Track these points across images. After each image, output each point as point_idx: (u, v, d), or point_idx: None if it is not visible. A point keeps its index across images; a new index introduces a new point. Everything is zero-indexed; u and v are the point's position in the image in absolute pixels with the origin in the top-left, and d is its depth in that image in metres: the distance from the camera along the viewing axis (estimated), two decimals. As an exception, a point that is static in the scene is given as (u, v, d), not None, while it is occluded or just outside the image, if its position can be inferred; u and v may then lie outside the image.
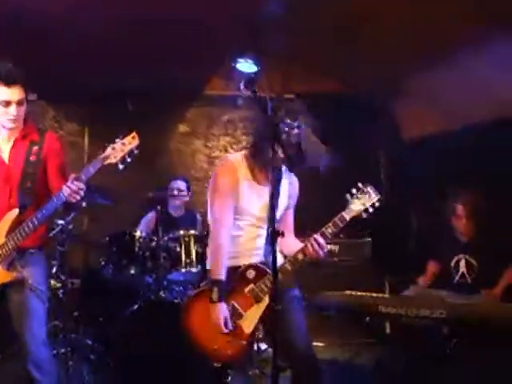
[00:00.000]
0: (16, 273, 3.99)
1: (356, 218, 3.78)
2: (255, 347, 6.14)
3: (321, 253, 3.74)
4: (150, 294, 5.64)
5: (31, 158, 4.11)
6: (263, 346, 6.21)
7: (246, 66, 6.86)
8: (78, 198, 3.84)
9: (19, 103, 4.01)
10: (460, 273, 5.75)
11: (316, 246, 3.73)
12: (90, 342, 6.11)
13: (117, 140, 3.88)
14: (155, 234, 5.79)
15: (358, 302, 5.31)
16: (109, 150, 3.85)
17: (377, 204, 3.82)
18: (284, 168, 4.04)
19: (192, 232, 5.84)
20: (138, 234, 5.94)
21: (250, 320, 3.82)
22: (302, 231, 4.16)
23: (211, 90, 8.03)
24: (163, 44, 6.36)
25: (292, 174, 4.15)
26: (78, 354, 5.98)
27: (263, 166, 3.96)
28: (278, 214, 3.99)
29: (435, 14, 5.41)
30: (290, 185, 4.14)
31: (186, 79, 7.31)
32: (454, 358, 5.02)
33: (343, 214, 3.77)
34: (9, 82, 3.94)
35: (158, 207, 5.91)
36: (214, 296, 3.76)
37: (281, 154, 3.52)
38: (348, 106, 7.97)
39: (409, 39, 5.97)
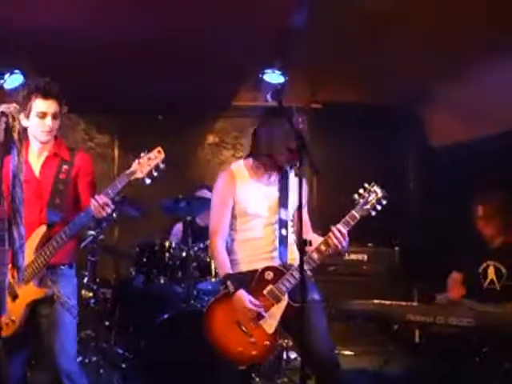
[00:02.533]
0: (47, 289, 4.03)
1: (365, 216, 3.89)
2: (284, 356, 6.17)
3: (343, 243, 3.84)
4: (180, 303, 5.67)
5: (61, 176, 4.16)
6: (292, 355, 6.24)
7: (273, 76, 6.90)
8: (105, 213, 3.88)
9: (54, 116, 4.09)
10: (489, 280, 5.70)
11: (338, 234, 3.82)
12: (120, 351, 6.16)
13: (142, 154, 3.92)
14: (185, 244, 5.84)
15: (385, 310, 5.29)
16: (135, 165, 3.90)
17: (384, 202, 3.93)
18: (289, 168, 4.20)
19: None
20: (167, 243, 5.99)
21: (272, 320, 3.87)
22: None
23: (239, 101, 8.07)
24: (192, 55, 6.42)
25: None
26: (109, 363, 6.04)
27: (267, 166, 4.15)
28: (290, 214, 4.15)
29: (462, 22, 5.41)
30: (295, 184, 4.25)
31: (214, 90, 7.37)
32: (484, 367, 5.00)
33: (353, 212, 3.89)
34: (46, 95, 4.03)
35: (188, 218, 5.94)
36: (231, 288, 3.90)
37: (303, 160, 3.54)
38: (376, 114, 7.97)
39: (436, 47, 5.97)
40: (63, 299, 4.06)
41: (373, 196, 3.90)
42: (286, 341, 6.05)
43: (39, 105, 4.05)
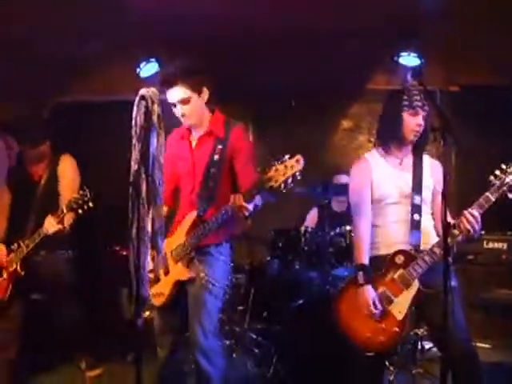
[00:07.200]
0: (191, 273, 4.16)
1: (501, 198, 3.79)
2: (419, 346, 6.04)
3: (476, 226, 3.74)
4: (315, 289, 5.65)
5: (215, 157, 4.21)
6: (427, 345, 6.09)
7: (409, 59, 6.78)
8: (246, 213, 3.93)
9: (183, 102, 4.18)
10: None
11: (471, 218, 3.73)
12: (254, 336, 6.19)
13: (283, 159, 3.72)
14: (320, 229, 5.80)
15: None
16: (272, 172, 3.70)
17: None
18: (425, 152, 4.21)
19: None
20: (303, 229, 5.97)
21: (401, 306, 3.86)
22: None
23: (374, 85, 7.95)
24: (328, 41, 6.38)
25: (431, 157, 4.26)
26: (242, 347, 6.10)
27: (396, 151, 4.16)
28: (425, 198, 4.10)
29: None
30: (431, 168, 4.19)
31: (349, 74, 7.29)
32: None
33: (487, 194, 3.78)
34: (168, 85, 4.15)
35: (324, 203, 5.91)
36: (360, 279, 3.94)
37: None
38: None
39: None
40: (208, 280, 4.15)
41: (510, 178, 3.77)
42: (421, 330, 5.92)
43: (168, 96, 4.17)
